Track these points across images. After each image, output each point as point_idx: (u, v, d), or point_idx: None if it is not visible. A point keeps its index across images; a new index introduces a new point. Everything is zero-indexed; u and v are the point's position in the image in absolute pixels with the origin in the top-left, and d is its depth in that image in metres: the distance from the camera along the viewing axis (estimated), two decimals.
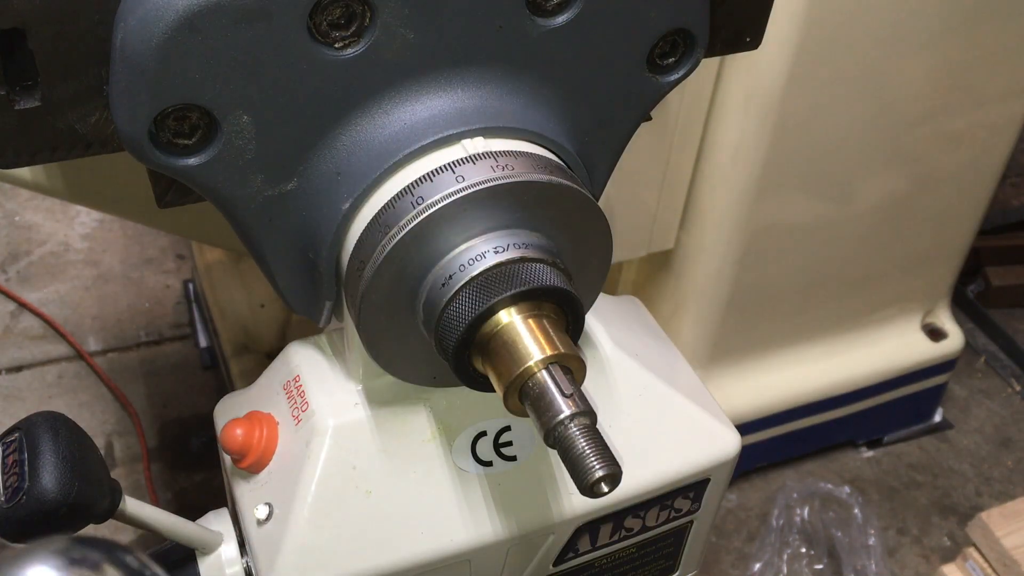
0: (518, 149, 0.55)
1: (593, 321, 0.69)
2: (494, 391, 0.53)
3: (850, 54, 1.15)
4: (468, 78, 0.55)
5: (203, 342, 1.77)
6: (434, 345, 0.54)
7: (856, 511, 1.52)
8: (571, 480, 0.50)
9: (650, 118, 0.63)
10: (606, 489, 0.49)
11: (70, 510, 0.55)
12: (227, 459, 0.66)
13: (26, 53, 0.47)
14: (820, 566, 1.51)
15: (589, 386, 0.53)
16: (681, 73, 0.60)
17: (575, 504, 0.66)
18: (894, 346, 1.58)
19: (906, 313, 1.58)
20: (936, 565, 1.51)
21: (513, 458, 0.65)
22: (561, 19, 0.55)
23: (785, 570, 1.50)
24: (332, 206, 0.55)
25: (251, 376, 0.79)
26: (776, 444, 1.60)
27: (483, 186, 0.52)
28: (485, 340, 0.52)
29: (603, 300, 0.68)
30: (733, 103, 1.18)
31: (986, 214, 1.49)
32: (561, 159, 0.58)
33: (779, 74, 1.13)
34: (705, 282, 1.36)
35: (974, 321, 1.97)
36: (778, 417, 1.55)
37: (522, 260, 0.52)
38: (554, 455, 0.50)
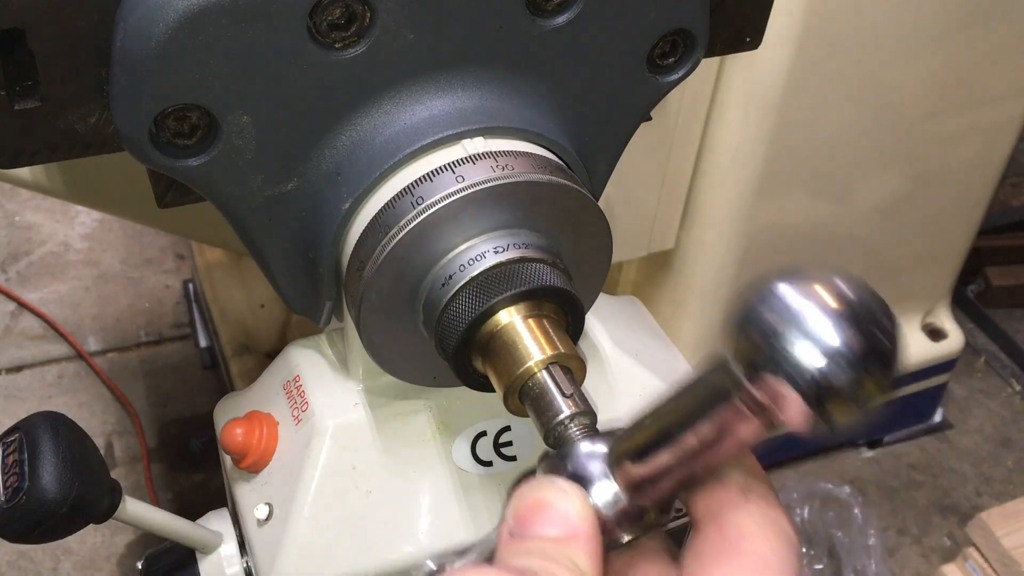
0: (518, 149, 0.54)
1: (593, 321, 0.68)
2: (494, 391, 0.53)
3: (850, 54, 1.15)
4: (468, 78, 0.55)
5: (203, 342, 1.77)
6: (434, 345, 0.54)
7: (856, 511, 1.52)
8: None
9: (650, 118, 0.63)
10: None
11: (70, 510, 0.55)
12: (227, 459, 0.66)
13: (26, 53, 0.47)
14: (820, 566, 1.50)
15: (589, 386, 0.52)
16: (681, 73, 0.60)
17: None
18: None
19: (906, 313, 1.58)
20: (936, 565, 1.51)
21: (513, 458, 0.65)
22: (561, 19, 0.55)
23: None
24: (332, 206, 0.55)
25: (251, 376, 0.79)
26: (776, 444, 1.59)
27: (483, 186, 0.52)
28: (485, 340, 0.52)
29: (603, 300, 0.68)
30: (733, 103, 1.18)
31: (986, 214, 1.49)
32: (561, 159, 0.58)
33: (779, 74, 1.13)
34: (705, 282, 1.36)
35: (974, 321, 1.96)
36: None
37: (522, 260, 0.52)
38: None
